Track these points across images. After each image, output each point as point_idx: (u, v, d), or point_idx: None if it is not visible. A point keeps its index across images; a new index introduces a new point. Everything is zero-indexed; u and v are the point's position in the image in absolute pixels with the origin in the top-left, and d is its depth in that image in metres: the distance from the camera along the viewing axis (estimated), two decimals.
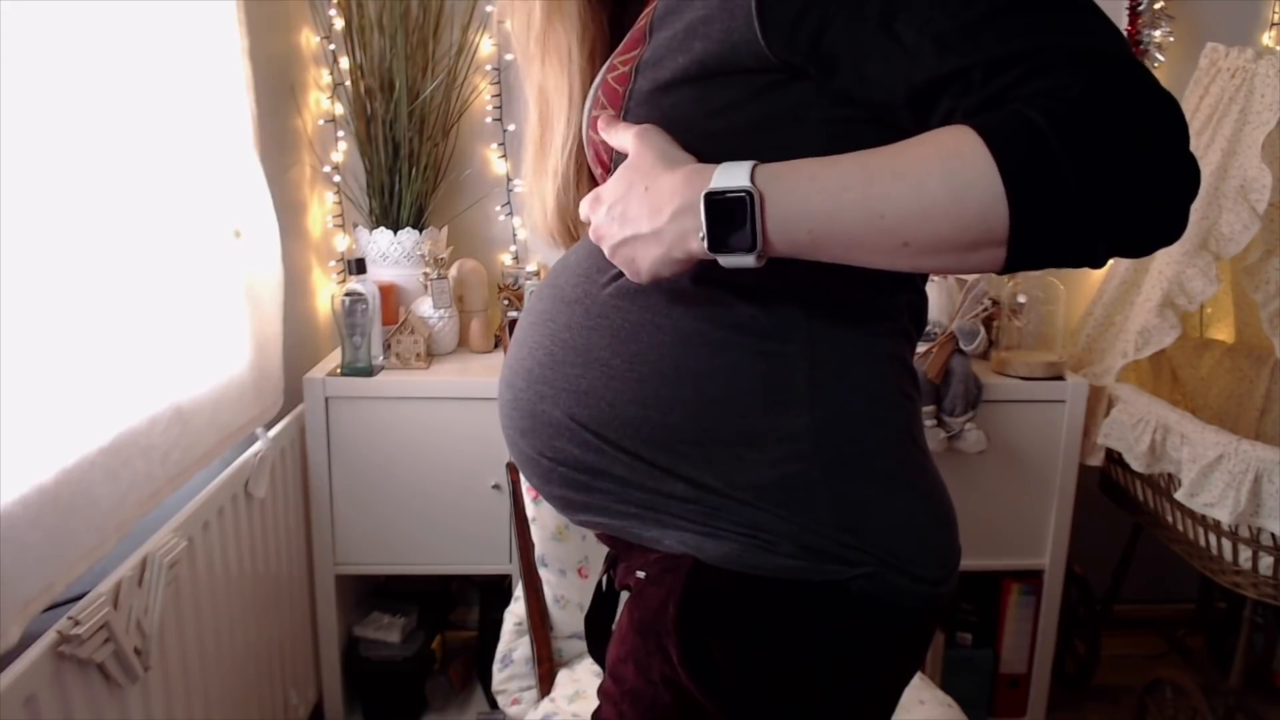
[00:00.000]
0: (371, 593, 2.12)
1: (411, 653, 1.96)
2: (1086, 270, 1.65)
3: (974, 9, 0.58)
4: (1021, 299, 1.98)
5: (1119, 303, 2.03)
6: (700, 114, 0.69)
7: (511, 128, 2.06)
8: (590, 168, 0.82)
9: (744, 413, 0.71)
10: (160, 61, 1.23)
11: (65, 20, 1.02)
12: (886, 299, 0.75)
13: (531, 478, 0.81)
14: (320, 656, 1.92)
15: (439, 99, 1.98)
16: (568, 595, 1.51)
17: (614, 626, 0.83)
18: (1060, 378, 1.88)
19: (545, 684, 1.48)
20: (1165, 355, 2.12)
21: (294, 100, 1.97)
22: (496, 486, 1.82)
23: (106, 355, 1.09)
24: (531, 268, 2.03)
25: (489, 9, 2.00)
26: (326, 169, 2.05)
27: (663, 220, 0.66)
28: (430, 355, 1.91)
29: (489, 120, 2.06)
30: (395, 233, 1.96)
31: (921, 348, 1.86)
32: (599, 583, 0.93)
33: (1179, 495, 1.66)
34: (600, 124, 0.74)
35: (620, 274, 0.73)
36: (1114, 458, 1.93)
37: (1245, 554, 1.62)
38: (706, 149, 0.68)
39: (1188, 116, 1.95)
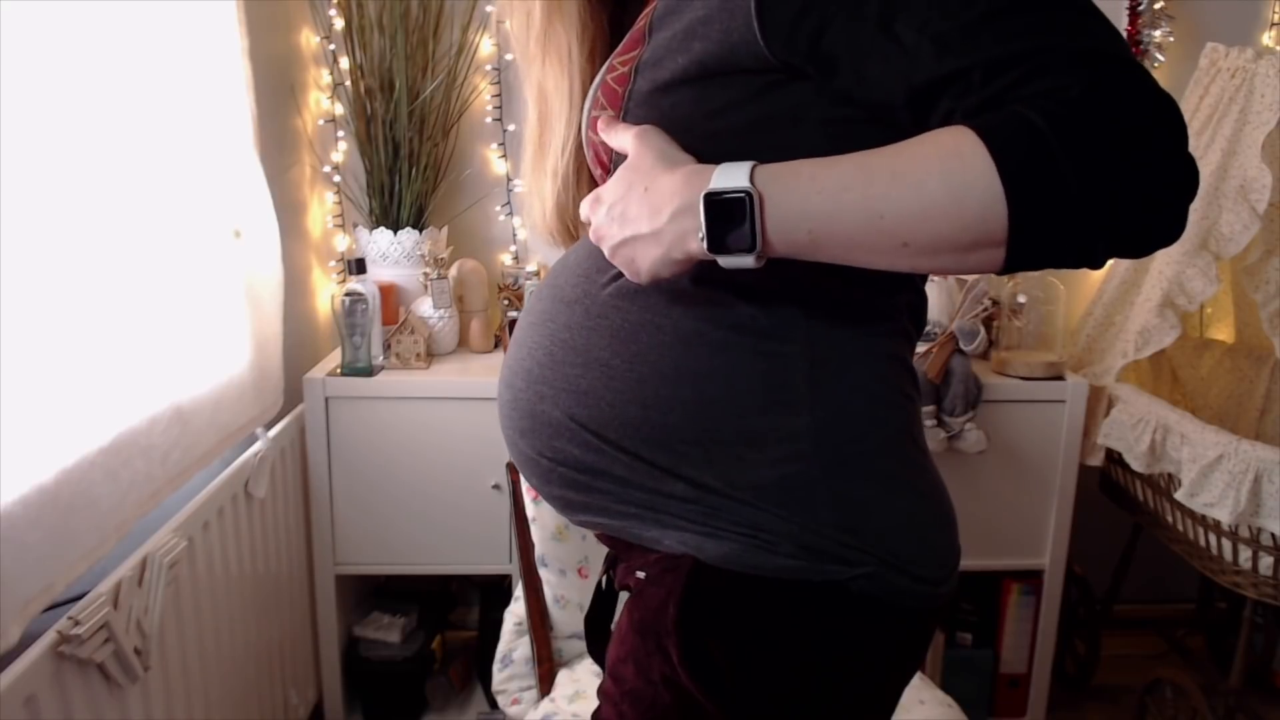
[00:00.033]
0: (371, 593, 2.12)
1: (411, 653, 1.96)
2: (1086, 270, 1.65)
3: (973, 10, 0.58)
4: (1021, 299, 1.98)
5: (1119, 303, 2.03)
6: (700, 114, 0.70)
7: (511, 128, 2.06)
8: (590, 168, 0.82)
9: (744, 413, 0.71)
10: (160, 61, 1.23)
11: (65, 20, 1.02)
12: (886, 299, 0.75)
13: (531, 478, 0.81)
14: (320, 656, 1.92)
15: (439, 99, 1.98)
16: (568, 595, 1.51)
17: (613, 627, 0.83)
18: (1060, 378, 1.88)
19: (545, 684, 1.48)
20: (1165, 355, 2.12)
21: (294, 100, 1.97)
22: (496, 486, 1.82)
23: (106, 355, 1.09)
24: (531, 268, 2.03)
25: (489, 9, 2.01)
26: (326, 169, 2.05)
27: (662, 221, 0.66)
28: (430, 355, 1.91)
29: (489, 120, 2.06)
30: (395, 233, 1.96)
31: (921, 348, 1.86)
32: (598, 583, 0.93)
33: (1179, 495, 1.66)
34: (599, 125, 0.74)
35: (620, 274, 0.73)
36: (1114, 458, 1.93)
37: (1245, 554, 1.62)
38: (706, 149, 0.68)
39: (1188, 116, 1.95)
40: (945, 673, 2.01)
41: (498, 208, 2.12)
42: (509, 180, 2.10)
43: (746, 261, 0.63)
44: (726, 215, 0.62)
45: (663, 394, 0.72)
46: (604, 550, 0.90)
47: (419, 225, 2.00)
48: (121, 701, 1.15)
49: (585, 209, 0.73)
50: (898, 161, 0.59)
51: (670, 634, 0.71)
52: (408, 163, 1.96)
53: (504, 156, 2.08)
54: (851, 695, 0.74)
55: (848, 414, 0.72)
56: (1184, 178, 0.56)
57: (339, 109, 2.01)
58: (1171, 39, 2.07)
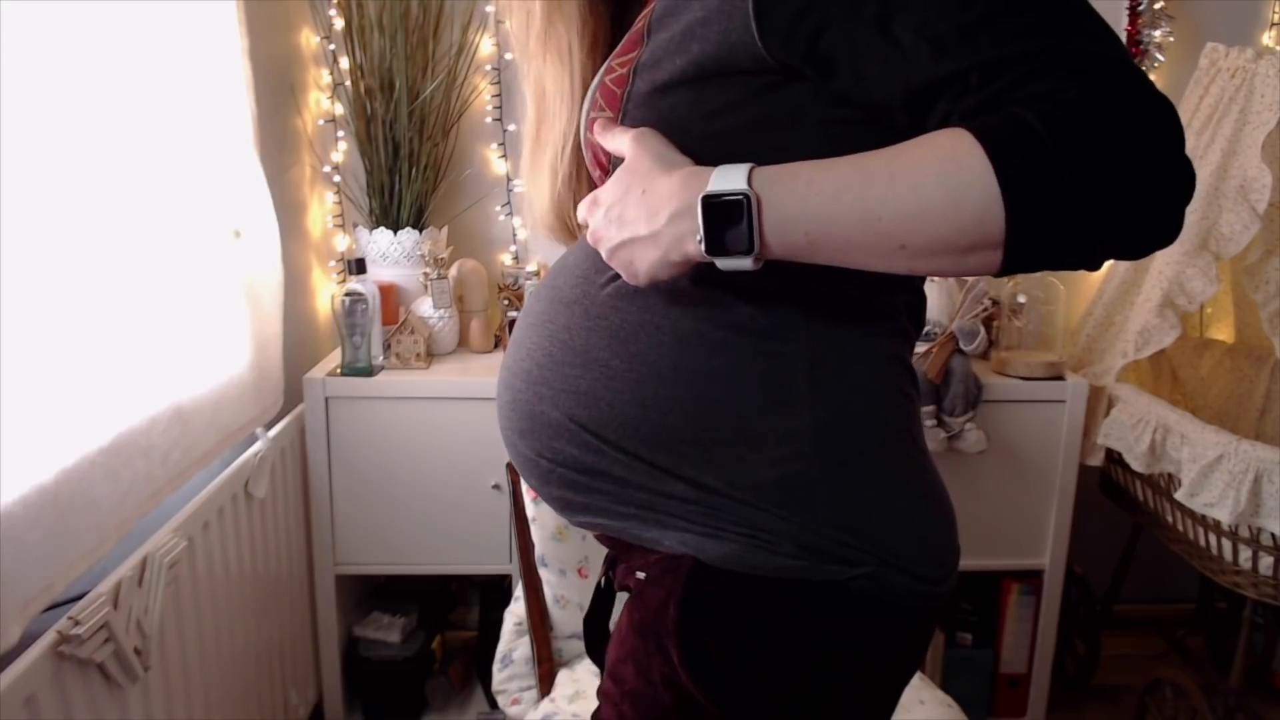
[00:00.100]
0: (371, 593, 2.12)
1: (411, 653, 1.96)
2: (1085, 270, 1.65)
3: (971, 11, 0.58)
4: (1021, 299, 1.98)
5: (1119, 303, 2.03)
6: (698, 115, 0.70)
7: (512, 128, 2.07)
8: (588, 168, 0.82)
9: (743, 413, 0.71)
10: (160, 62, 1.23)
11: (65, 21, 1.02)
12: (885, 299, 0.75)
13: (530, 479, 0.81)
14: (320, 656, 1.92)
15: (439, 99, 1.99)
16: (568, 595, 1.51)
17: (612, 627, 0.83)
18: (1060, 378, 1.88)
19: (545, 684, 1.48)
20: (1165, 355, 2.12)
21: (294, 100, 1.97)
22: (496, 486, 1.82)
23: (106, 355, 1.09)
24: (531, 268, 2.03)
25: (489, 9, 2.01)
26: (326, 169, 2.05)
27: (660, 223, 0.66)
28: (430, 355, 1.91)
29: (489, 120, 2.06)
30: (395, 233, 1.96)
31: (921, 348, 1.86)
32: (598, 583, 0.93)
33: (1179, 495, 1.66)
34: (596, 129, 0.74)
35: (619, 275, 0.73)
36: (1114, 458, 1.93)
37: (1245, 554, 1.62)
38: (704, 150, 0.68)
39: (1188, 116, 1.95)
40: (945, 673, 2.01)
41: (498, 208, 2.12)
42: (509, 180, 2.10)
43: (744, 263, 0.63)
44: (724, 217, 0.62)
45: (662, 394, 0.72)
46: (604, 550, 0.90)
47: (419, 225, 2.00)
48: (121, 701, 1.15)
49: (583, 211, 0.73)
50: (895, 164, 0.59)
51: (670, 634, 0.71)
52: (408, 163, 1.96)
53: (504, 156, 2.08)
54: (851, 695, 0.74)
55: (847, 414, 0.72)
56: (1181, 180, 0.56)
57: (339, 109, 2.01)
58: (1171, 39, 2.07)
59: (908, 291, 0.78)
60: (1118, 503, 2.03)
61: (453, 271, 2.01)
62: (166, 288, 1.24)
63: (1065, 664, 2.22)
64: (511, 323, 1.90)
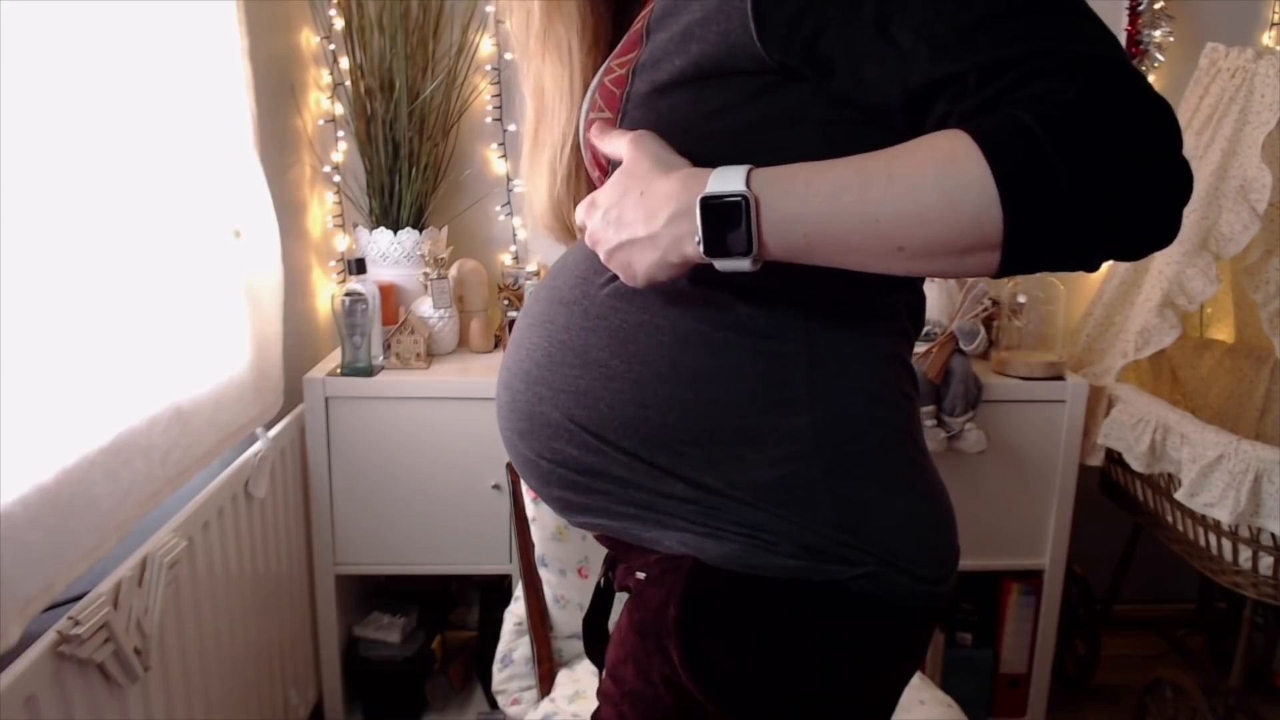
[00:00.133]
0: (371, 593, 2.12)
1: (411, 653, 1.96)
2: (1084, 271, 1.65)
3: (970, 13, 0.58)
4: (1021, 299, 1.98)
5: (1119, 303, 2.03)
6: (697, 116, 0.70)
7: (512, 128, 2.07)
8: (587, 169, 0.82)
9: (743, 413, 0.71)
10: (160, 62, 1.23)
11: (65, 20, 1.02)
12: (884, 299, 0.75)
13: (530, 479, 0.81)
14: (320, 656, 1.92)
15: (439, 99, 1.99)
16: (568, 595, 1.51)
17: (612, 627, 0.83)
18: (1060, 378, 1.88)
19: (545, 684, 1.48)
20: (1165, 355, 2.12)
21: (294, 100, 1.97)
22: (496, 486, 1.82)
23: (106, 355, 1.09)
24: (531, 268, 2.03)
25: (489, 9, 2.01)
26: (326, 169, 2.05)
27: (658, 225, 0.66)
28: (430, 355, 1.91)
29: (489, 120, 2.06)
30: (395, 233, 1.96)
31: (921, 348, 1.86)
32: (597, 583, 0.93)
33: (1179, 495, 1.66)
34: (593, 132, 0.74)
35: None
36: (1114, 458, 1.93)
37: (1245, 554, 1.62)
38: (703, 151, 0.68)
39: (1188, 116, 1.95)
40: (945, 673, 2.01)
41: (498, 208, 2.12)
42: (509, 180, 2.10)
43: (743, 265, 0.63)
44: (723, 219, 0.62)
45: (662, 394, 0.72)
46: (604, 550, 0.90)
47: (419, 225, 2.00)
48: (121, 701, 1.15)
49: (581, 213, 0.73)
50: (893, 165, 0.59)
51: (671, 635, 0.71)
52: (408, 163, 1.96)
53: (504, 156, 2.09)
54: (851, 695, 0.74)
55: (847, 414, 0.72)
56: (1179, 181, 0.56)
57: (339, 109, 2.01)
58: (1171, 39, 2.07)
59: (907, 292, 0.78)
60: (1118, 503, 2.03)
61: (453, 271, 2.01)
62: (166, 288, 1.24)
63: (1065, 664, 2.22)
64: (511, 323, 1.90)
